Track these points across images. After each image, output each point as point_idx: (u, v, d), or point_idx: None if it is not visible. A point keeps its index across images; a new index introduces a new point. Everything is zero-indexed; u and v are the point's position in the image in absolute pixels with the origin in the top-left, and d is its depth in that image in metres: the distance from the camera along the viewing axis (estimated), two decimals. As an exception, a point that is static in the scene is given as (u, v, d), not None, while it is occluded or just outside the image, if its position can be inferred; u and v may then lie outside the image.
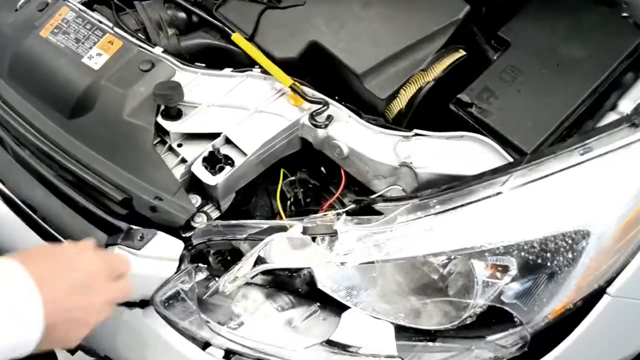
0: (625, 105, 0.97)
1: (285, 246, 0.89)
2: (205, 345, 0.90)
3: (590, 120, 0.97)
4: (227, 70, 1.02)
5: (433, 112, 0.99)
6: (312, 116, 0.95)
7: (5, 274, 0.60)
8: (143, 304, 0.92)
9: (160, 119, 0.97)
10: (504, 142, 0.90)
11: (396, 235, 0.83)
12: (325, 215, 0.97)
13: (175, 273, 0.91)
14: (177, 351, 0.89)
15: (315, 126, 0.94)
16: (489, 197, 0.80)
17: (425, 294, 0.87)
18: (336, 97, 1.00)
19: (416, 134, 0.96)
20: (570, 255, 0.79)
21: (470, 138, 0.93)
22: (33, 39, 1.02)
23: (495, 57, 0.99)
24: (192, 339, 0.89)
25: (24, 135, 0.99)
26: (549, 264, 0.79)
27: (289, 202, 1.06)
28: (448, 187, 0.84)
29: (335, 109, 0.99)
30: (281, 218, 1.00)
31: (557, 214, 0.81)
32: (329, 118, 0.95)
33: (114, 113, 0.97)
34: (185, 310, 0.90)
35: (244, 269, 0.89)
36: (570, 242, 0.79)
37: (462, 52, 1.03)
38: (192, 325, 0.89)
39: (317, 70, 1.03)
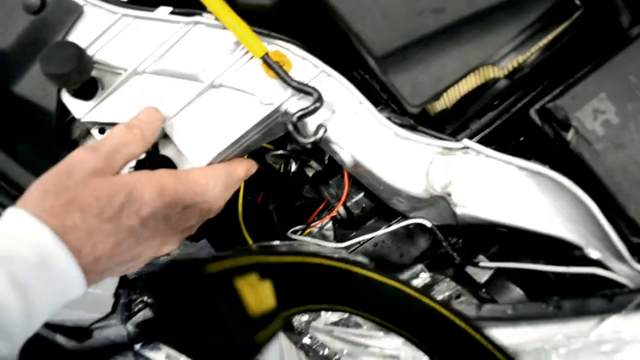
0: None
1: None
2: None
3: None
4: (164, 11, 0.61)
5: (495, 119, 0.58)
6: (294, 123, 0.57)
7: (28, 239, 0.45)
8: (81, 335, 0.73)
9: (65, 97, 0.62)
10: (611, 206, 0.52)
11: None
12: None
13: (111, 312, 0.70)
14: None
15: (299, 141, 0.57)
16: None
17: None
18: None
19: (466, 147, 0.58)
20: None
21: (551, 179, 0.54)
22: None
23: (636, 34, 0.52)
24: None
25: None
26: None
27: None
28: (494, 310, 0.51)
29: (337, 86, 0.60)
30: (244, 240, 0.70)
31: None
32: (320, 130, 0.57)
33: (-3, 82, 0.63)
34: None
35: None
36: None
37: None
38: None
39: (305, 26, 0.60)
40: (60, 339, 0.74)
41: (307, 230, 0.72)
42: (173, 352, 0.70)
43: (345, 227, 0.73)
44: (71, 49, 0.57)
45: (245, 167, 0.62)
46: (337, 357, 0.58)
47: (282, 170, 0.76)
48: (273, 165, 0.75)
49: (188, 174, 0.56)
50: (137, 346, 0.69)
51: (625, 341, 0.48)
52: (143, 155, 0.62)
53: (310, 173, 0.77)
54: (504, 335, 0.52)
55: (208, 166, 0.60)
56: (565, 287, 0.58)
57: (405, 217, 0.67)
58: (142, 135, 0.55)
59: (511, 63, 0.53)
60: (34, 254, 0.44)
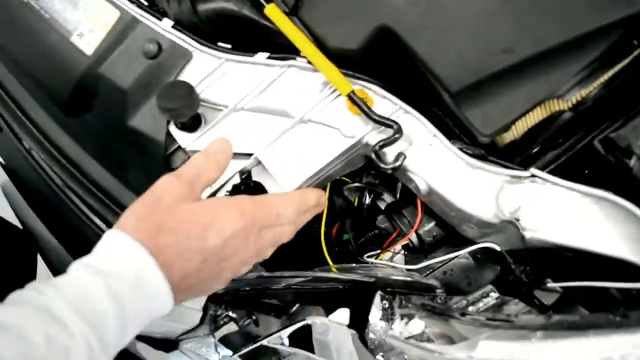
0: None
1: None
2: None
3: None
4: (262, 56, 0.70)
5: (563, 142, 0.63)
6: (376, 151, 0.64)
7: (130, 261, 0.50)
8: (168, 346, 0.80)
9: (172, 129, 0.72)
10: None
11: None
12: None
13: (199, 324, 0.76)
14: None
15: (380, 167, 0.64)
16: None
17: None
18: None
19: (534, 176, 0.63)
20: None
21: (614, 204, 0.59)
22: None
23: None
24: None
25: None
26: None
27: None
28: (562, 320, 0.55)
29: (413, 121, 0.67)
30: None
31: None
32: (400, 158, 0.64)
33: (115, 116, 0.73)
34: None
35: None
36: None
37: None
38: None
39: (387, 68, 0.68)
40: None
41: (381, 256, 0.77)
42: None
43: (416, 255, 0.78)
44: (183, 87, 0.66)
45: (317, 196, 0.66)
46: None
47: (356, 203, 0.83)
48: (349, 197, 0.82)
49: (265, 198, 0.62)
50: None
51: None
52: (238, 181, 0.70)
53: (383, 206, 0.83)
54: (572, 345, 0.55)
55: (283, 192, 0.67)
56: (631, 304, 0.61)
57: (475, 244, 0.72)
58: (217, 162, 0.60)
59: (575, 97, 0.59)
60: (131, 271, 0.49)
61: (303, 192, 0.65)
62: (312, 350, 0.72)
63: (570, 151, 0.69)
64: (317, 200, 0.66)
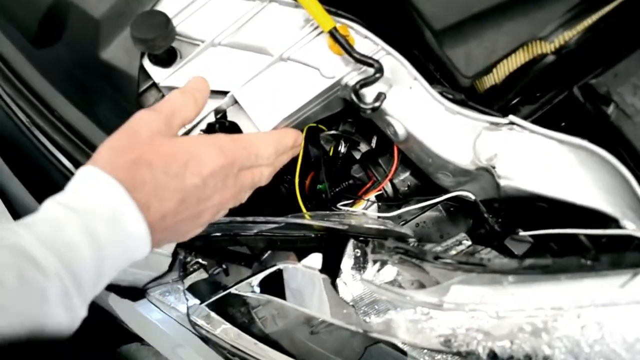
0: None
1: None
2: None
3: None
4: (242, -10, 0.68)
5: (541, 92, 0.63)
6: (355, 90, 0.63)
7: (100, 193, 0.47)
8: (134, 295, 0.78)
9: (146, 63, 0.69)
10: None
11: (444, 316, 0.57)
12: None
13: (167, 271, 0.75)
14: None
15: (360, 107, 0.63)
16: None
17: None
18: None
19: (512, 123, 0.63)
20: None
21: (592, 152, 0.59)
22: None
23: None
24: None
25: None
26: None
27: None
28: (534, 264, 0.55)
29: (394, 63, 0.65)
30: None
31: None
32: (380, 98, 0.63)
33: (86, 48, 0.70)
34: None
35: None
36: None
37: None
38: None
39: (370, 7, 0.66)
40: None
41: (355, 206, 0.76)
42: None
43: (390, 206, 0.78)
44: (159, 17, 0.64)
45: (293, 136, 0.63)
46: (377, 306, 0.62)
47: (331, 153, 0.82)
48: (324, 146, 0.81)
49: (244, 137, 0.59)
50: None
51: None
52: (213, 119, 0.68)
53: (358, 156, 0.82)
54: (543, 290, 0.55)
55: (261, 132, 0.65)
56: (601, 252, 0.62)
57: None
58: (195, 100, 0.58)
59: (558, 40, 0.59)
60: (107, 209, 0.46)
61: (281, 132, 0.63)
62: (283, 297, 0.71)
63: (549, 105, 0.69)
64: (295, 141, 0.64)
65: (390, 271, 0.67)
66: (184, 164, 0.51)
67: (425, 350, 0.65)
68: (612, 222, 0.60)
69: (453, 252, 0.69)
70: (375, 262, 0.67)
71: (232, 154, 0.54)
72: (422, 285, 0.64)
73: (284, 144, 0.62)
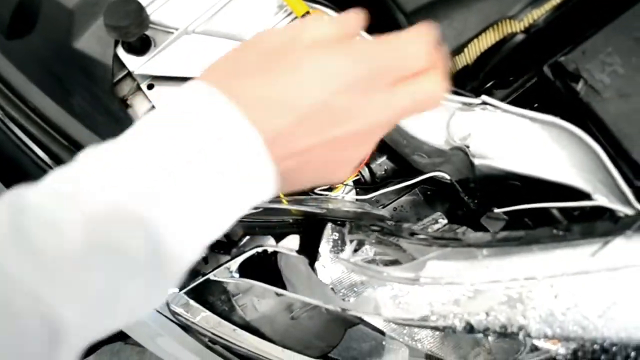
0: None
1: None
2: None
3: None
4: (215, -23, 0.69)
5: (513, 76, 0.65)
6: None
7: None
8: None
9: (120, 52, 0.69)
10: (617, 151, 0.58)
11: (421, 291, 0.58)
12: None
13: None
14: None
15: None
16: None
17: None
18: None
19: (484, 103, 0.64)
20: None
21: (563, 129, 0.60)
22: None
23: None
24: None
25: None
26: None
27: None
28: (508, 236, 0.56)
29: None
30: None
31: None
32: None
33: (60, 38, 0.70)
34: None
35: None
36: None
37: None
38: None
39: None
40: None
41: (333, 192, 0.77)
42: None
43: (367, 190, 0.79)
44: (133, 4, 0.64)
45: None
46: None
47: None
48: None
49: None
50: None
51: (626, 263, 0.53)
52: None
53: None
54: (516, 261, 0.56)
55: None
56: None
57: (426, 175, 0.72)
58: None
59: (527, 18, 0.60)
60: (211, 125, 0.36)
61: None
62: (263, 281, 0.72)
63: (522, 88, 0.71)
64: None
65: (368, 250, 0.68)
66: (304, 75, 0.38)
67: (405, 330, 0.66)
68: (585, 197, 0.62)
69: (429, 230, 0.70)
70: (352, 241, 0.67)
71: (374, 56, 0.40)
72: (398, 263, 0.65)
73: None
